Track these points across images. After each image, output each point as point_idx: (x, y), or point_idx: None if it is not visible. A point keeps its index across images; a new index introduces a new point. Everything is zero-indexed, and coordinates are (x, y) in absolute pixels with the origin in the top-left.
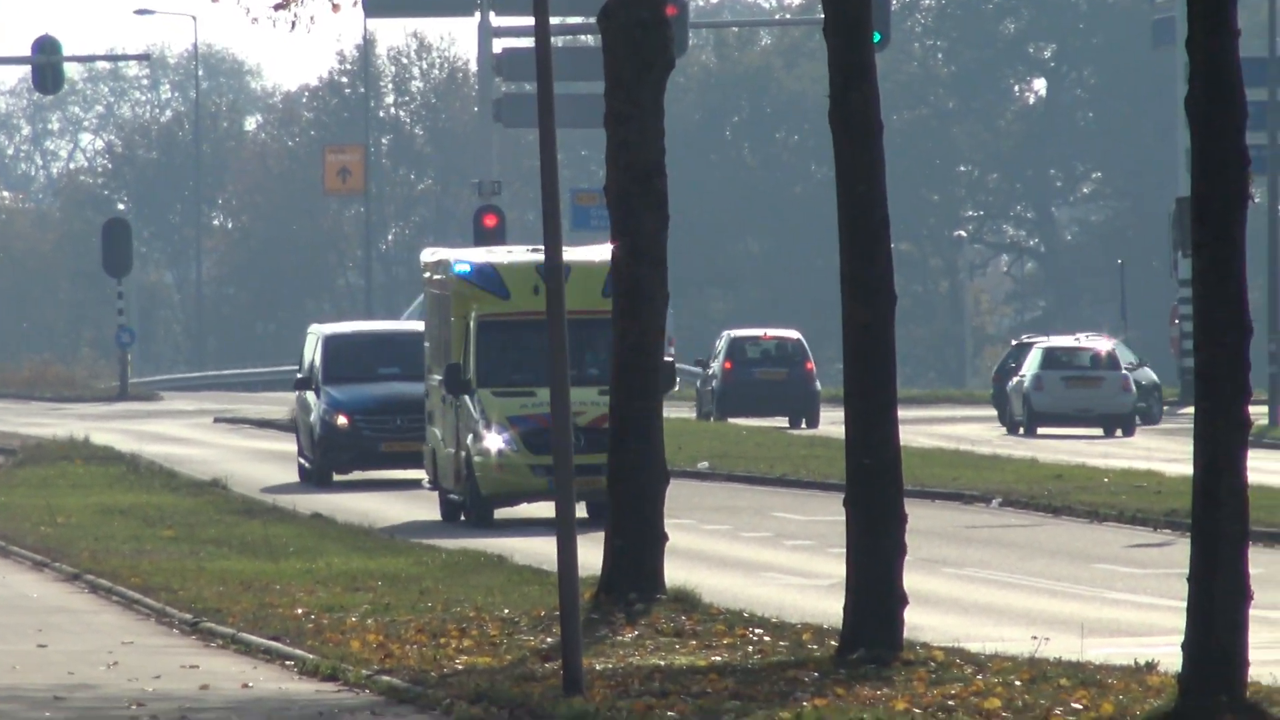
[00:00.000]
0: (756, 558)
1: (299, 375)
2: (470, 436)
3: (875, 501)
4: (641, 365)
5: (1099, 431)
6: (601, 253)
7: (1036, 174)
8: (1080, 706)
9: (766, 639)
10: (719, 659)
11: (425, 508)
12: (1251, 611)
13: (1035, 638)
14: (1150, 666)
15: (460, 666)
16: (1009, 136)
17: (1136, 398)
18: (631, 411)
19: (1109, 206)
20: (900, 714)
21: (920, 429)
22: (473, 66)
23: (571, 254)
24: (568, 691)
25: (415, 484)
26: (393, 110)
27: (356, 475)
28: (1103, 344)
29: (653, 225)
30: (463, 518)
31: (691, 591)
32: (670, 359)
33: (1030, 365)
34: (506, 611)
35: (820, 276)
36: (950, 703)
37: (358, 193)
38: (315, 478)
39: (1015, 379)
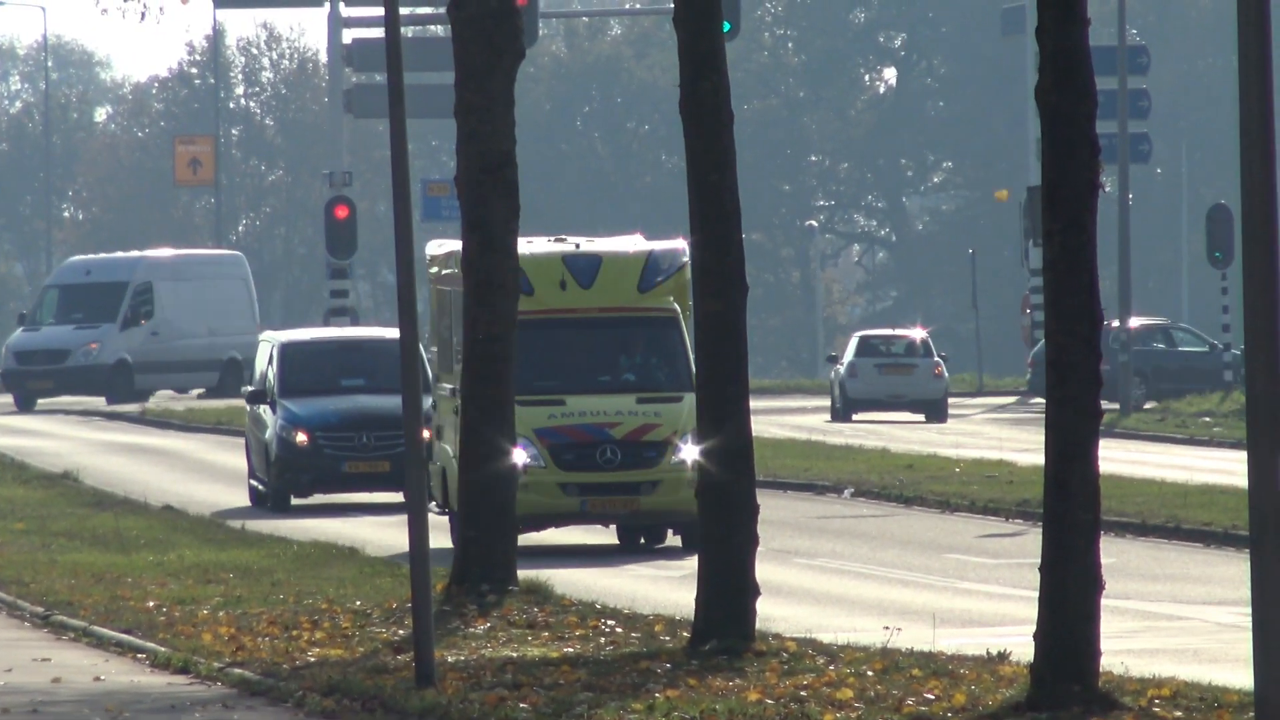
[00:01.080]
0: (609, 548)
1: (249, 388)
2: None
3: (727, 492)
4: (494, 354)
5: (917, 416)
6: (635, 243)
7: (887, 163)
8: (933, 697)
9: (619, 630)
10: (571, 650)
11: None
12: (1103, 601)
13: (887, 628)
14: (1002, 656)
15: (312, 659)
16: (860, 126)
17: (948, 384)
18: (483, 401)
19: (960, 196)
20: (753, 705)
21: (772, 419)
22: (323, 57)
23: (602, 244)
24: (420, 684)
25: (386, 508)
26: (243, 101)
27: (317, 499)
28: (916, 333)
29: (504, 215)
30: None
31: (544, 583)
32: None
33: (847, 354)
34: (359, 603)
35: None
36: (803, 693)
37: (208, 184)
38: (271, 502)
39: (835, 368)
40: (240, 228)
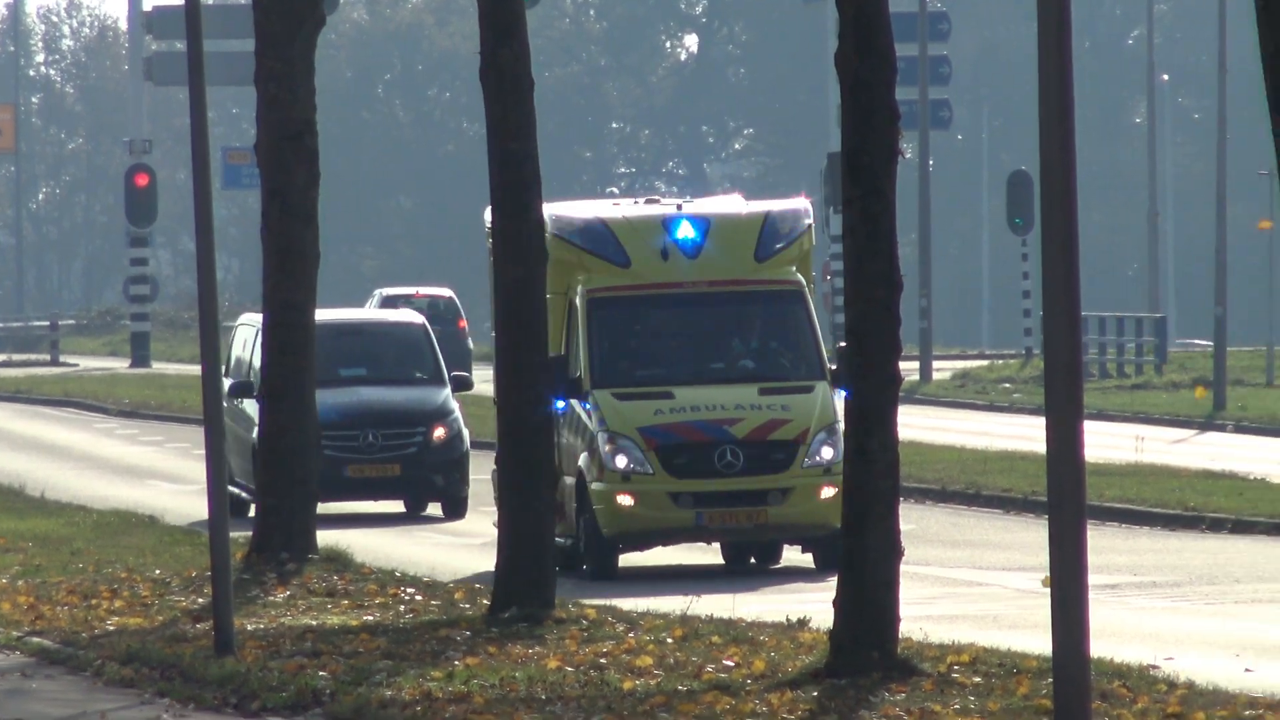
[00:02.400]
0: (410, 516)
1: (232, 380)
2: (584, 457)
3: (527, 460)
4: (293, 322)
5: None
6: (747, 204)
7: (689, 130)
8: (732, 664)
9: (419, 598)
10: (371, 619)
11: (474, 555)
12: (903, 568)
13: (686, 595)
14: (802, 623)
15: (111, 628)
16: (661, 93)
17: (470, 348)
18: (282, 369)
19: (761, 162)
20: (552, 672)
21: None
22: (123, 24)
23: (707, 205)
24: (219, 652)
25: (396, 517)
26: (43, 69)
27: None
28: (441, 290)
29: (304, 182)
30: (583, 567)
31: (344, 551)
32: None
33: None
34: (158, 572)
35: (472, 233)
36: (602, 661)
37: (8, 151)
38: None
39: None
40: (40, 196)
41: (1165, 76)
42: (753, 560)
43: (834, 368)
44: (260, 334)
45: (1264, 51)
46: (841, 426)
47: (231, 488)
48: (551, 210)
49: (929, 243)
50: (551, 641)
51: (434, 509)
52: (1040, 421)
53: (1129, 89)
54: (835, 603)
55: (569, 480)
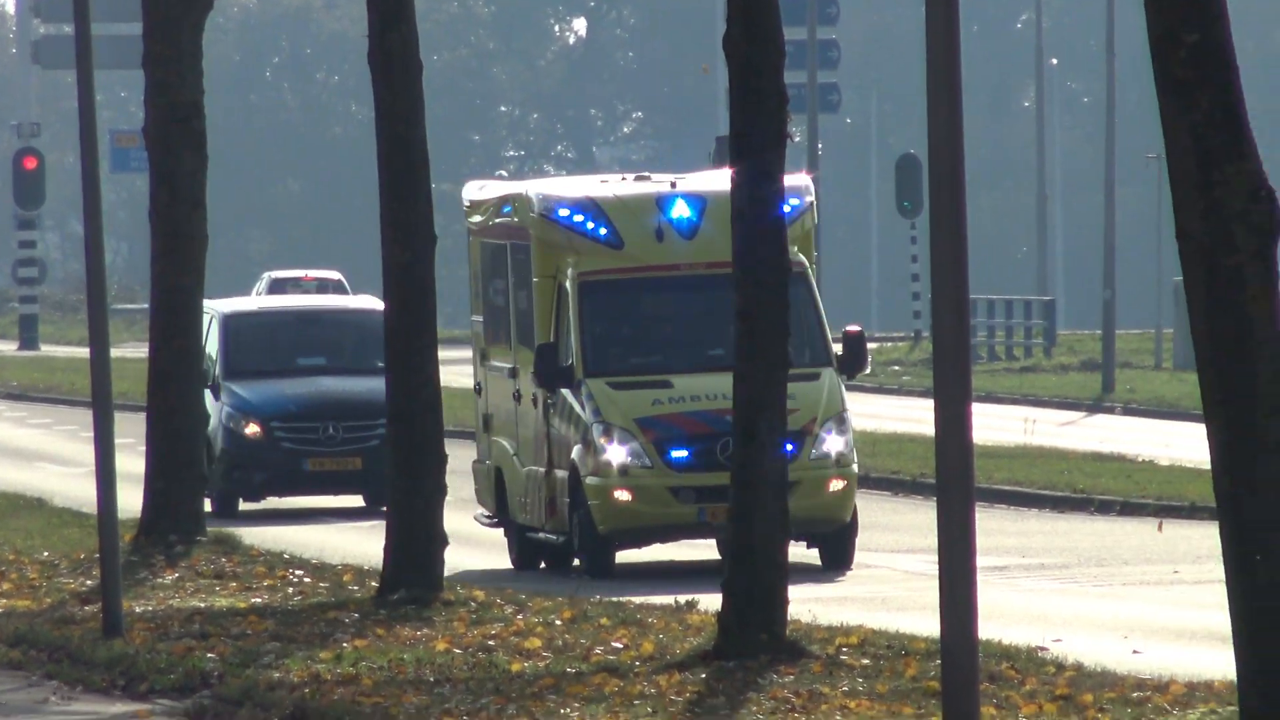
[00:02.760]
0: (295, 500)
1: None
2: (577, 449)
3: (415, 443)
4: (180, 305)
5: None
6: None
7: (578, 114)
8: (621, 645)
9: (307, 580)
10: (259, 601)
11: (476, 552)
12: (791, 549)
13: (578, 578)
14: (690, 605)
15: None
16: (549, 77)
17: None
18: (170, 353)
19: (649, 146)
20: (441, 654)
21: (463, 370)
22: (10, 8)
23: (701, 181)
24: (107, 634)
25: (357, 512)
26: None
27: (271, 503)
28: (330, 274)
29: (192, 166)
30: (575, 563)
31: (232, 533)
32: None
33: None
34: (46, 554)
35: (361, 216)
36: (491, 643)
37: None
38: (214, 505)
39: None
40: None
41: (1054, 60)
42: None
43: (840, 354)
44: (214, 322)
45: (1152, 35)
46: (850, 416)
47: None
48: (538, 188)
49: (818, 226)
50: (440, 623)
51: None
52: (929, 404)
53: (1017, 73)
54: (724, 585)
55: (561, 474)
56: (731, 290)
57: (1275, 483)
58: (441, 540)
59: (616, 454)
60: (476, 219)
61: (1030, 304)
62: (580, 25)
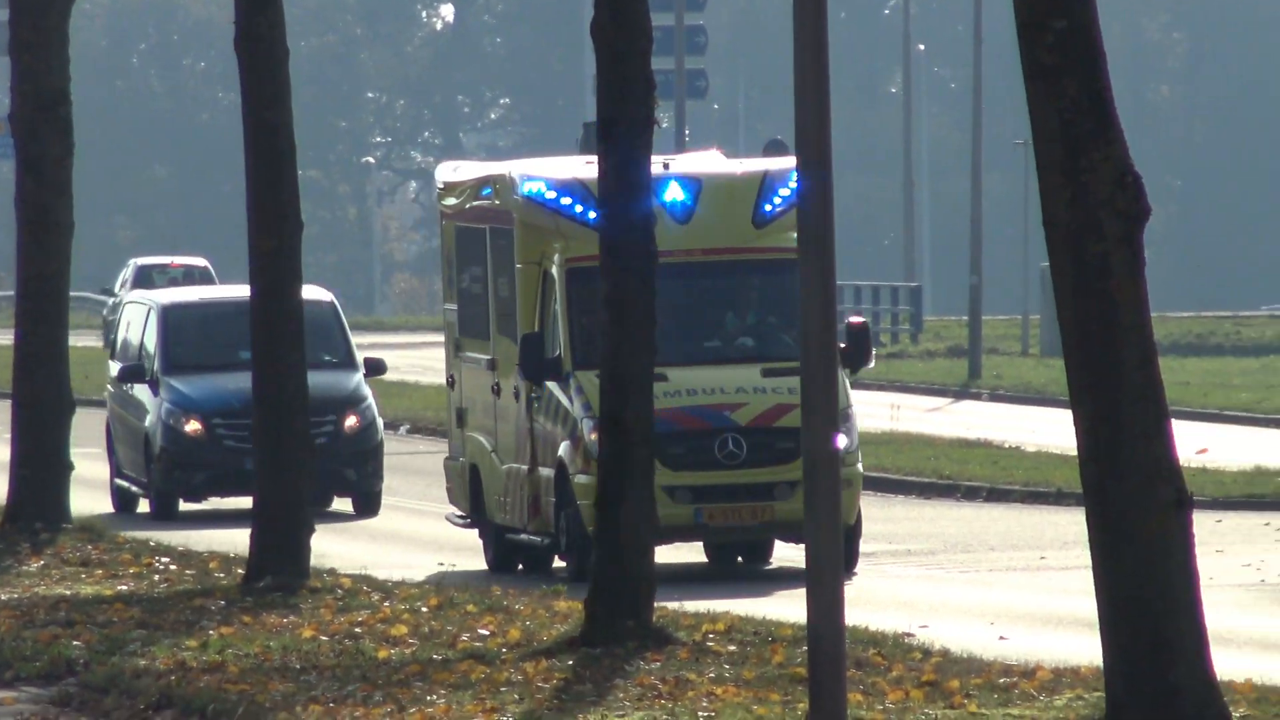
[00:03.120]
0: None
1: (121, 363)
2: (565, 445)
3: (281, 430)
4: (46, 292)
5: None
6: (741, 163)
7: (445, 100)
8: (488, 632)
9: (173, 568)
10: (125, 588)
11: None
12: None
13: (442, 564)
14: (557, 592)
15: None
16: (417, 63)
17: None
18: (37, 340)
19: (517, 132)
20: (307, 641)
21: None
22: None
23: (696, 164)
24: None
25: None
26: None
27: (213, 503)
28: (196, 261)
29: (58, 153)
30: (561, 563)
31: (98, 521)
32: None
33: (121, 284)
34: None
35: (228, 203)
36: (358, 630)
37: None
38: (152, 506)
39: None
40: None
41: (921, 46)
42: (740, 560)
43: (843, 346)
44: (151, 314)
45: (1019, 21)
46: (854, 411)
47: (120, 480)
48: (522, 169)
49: None
50: (306, 611)
51: (343, 505)
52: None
53: (885, 58)
54: (591, 571)
55: (546, 472)
56: (727, 278)
57: (1140, 468)
58: (308, 528)
59: None
60: (451, 202)
61: (897, 290)
62: (448, 11)
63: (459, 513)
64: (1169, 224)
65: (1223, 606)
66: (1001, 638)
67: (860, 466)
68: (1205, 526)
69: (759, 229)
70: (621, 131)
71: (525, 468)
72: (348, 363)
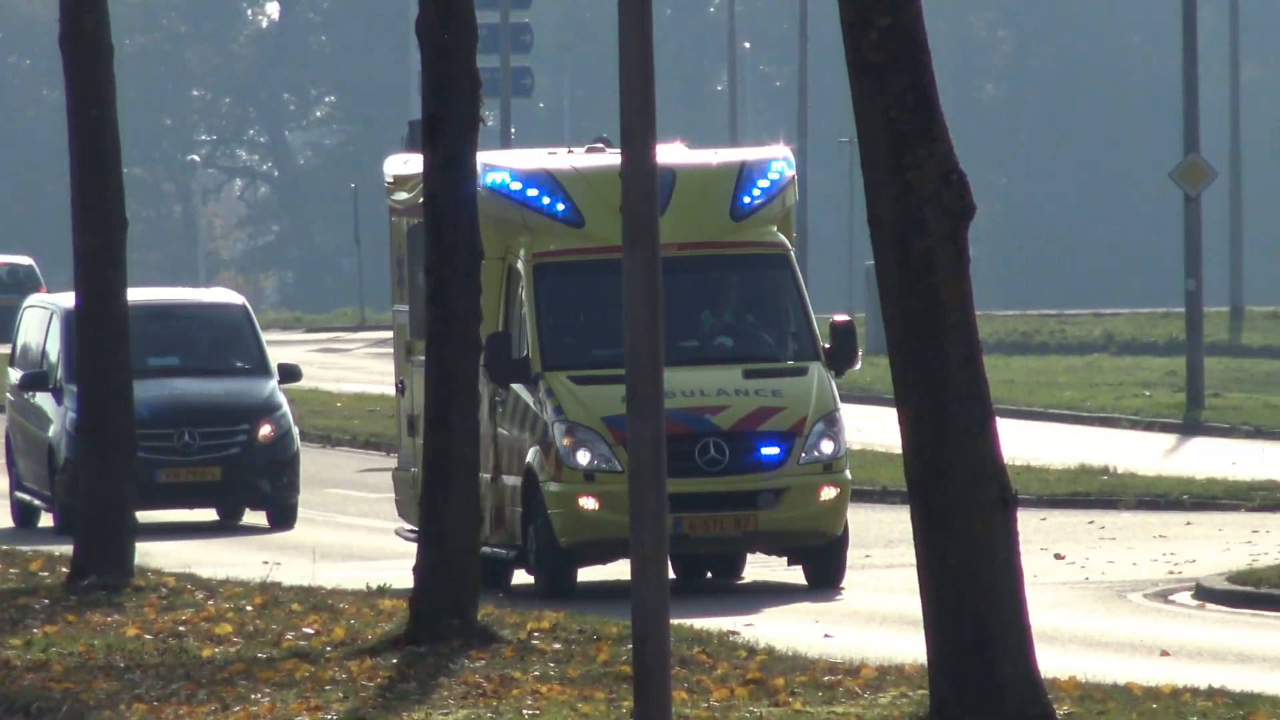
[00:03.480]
0: (226, 527)
1: (21, 371)
2: (533, 452)
3: (107, 429)
4: None
5: None
6: (717, 153)
7: (270, 98)
8: (312, 631)
9: None
10: None
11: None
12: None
13: (267, 563)
14: (382, 591)
15: None
16: (242, 61)
17: None
18: None
19: (343, 130)
20: (131, 640)
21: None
22: None
23: (669, 153)
24: None
25: (216, 528)
26: None
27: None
28: (21, 259)
29: None
30: (524, 578)
31: None
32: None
33: None
34: None
35: (53, 201)
36: (182, 628)
37: None
38: (57, 521)
39: None
40: None
41: (747, 44)
42: (709, 575)
43: (828, 346)
44: (54, 319)
45: (844, 19)
46: (842, 415)
47: (21, 494)
48: (484, 160)
49: None
50: (131, 609)
51: (256, 518)
52: None
53: (711, 56)
54: (415, 570)
55: (511, 481)
56: (705, 274)
57: (965, 466)
58: (133, 528)
59: (582, 457)
60: (402, 196)
61: None
62: (273, 9)
63: (410, 527)
64: (994, 221)
65: (1047, 604)
66: (827, 635)
67: (848, 474)
68: (1030, 525)
69: (737, 222)
70: (447, 129)
71: (488, 476)
72: (261, 369)
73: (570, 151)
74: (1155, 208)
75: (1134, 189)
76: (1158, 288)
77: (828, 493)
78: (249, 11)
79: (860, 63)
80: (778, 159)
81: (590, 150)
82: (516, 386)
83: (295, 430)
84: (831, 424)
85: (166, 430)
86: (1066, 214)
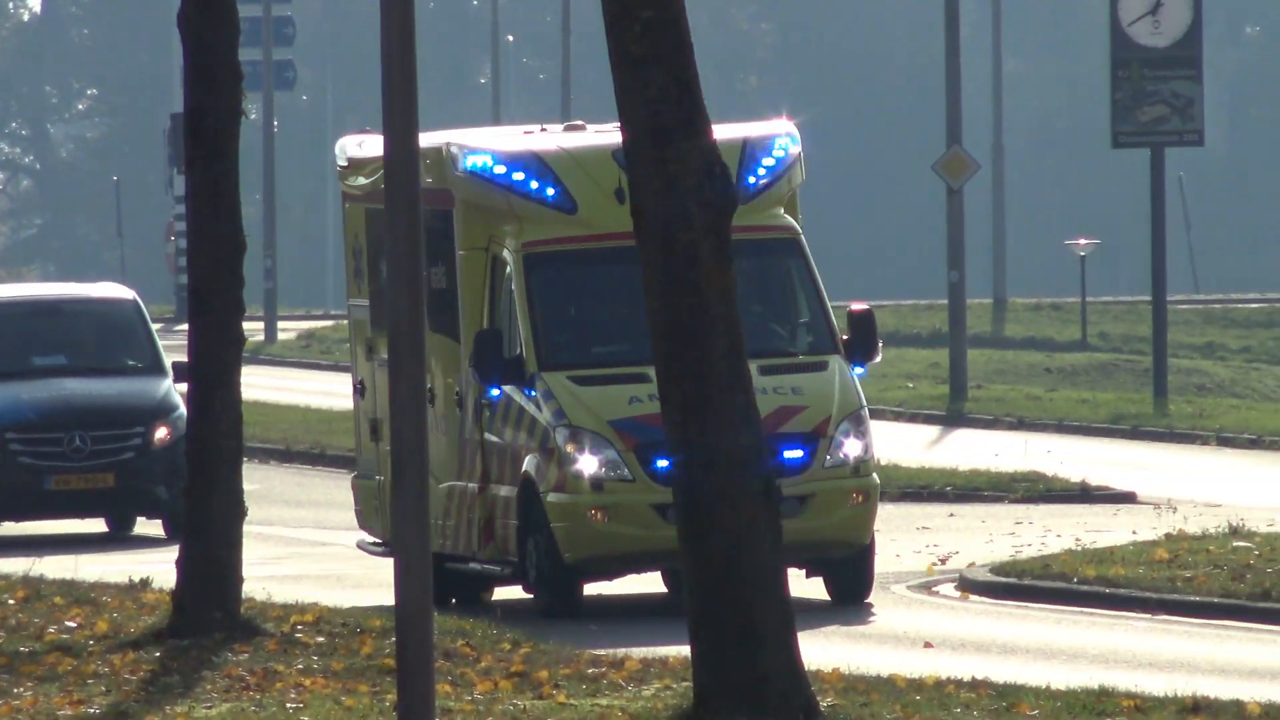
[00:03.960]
0: (114, 538)
1: None
2: (532, 459)
3: None
4: None
5: None
6: (721, 129)
7: (32, 91)
8: (75, 624)
9: None
10: None
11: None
12: (246, 527)
13: (35, 559)
14: (145, 584)
15: None
16: (3, 53)
17: None
18: None
19: (104, 123)
20: None
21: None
22: None
23: None
24: None
25: (107, 539)
26: None
27: (7, 528)
28: None
29: None
30: (532, 597)
31: None
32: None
33: None
34: None
35: None
36: None
37: None
38: None
39: None
40: None
41: (510, 37)
42: None
43: (845, 337)
44: None
45: (607, 12)
46: (867, 413)
47: None
48: (461, 140)
49: (274, 203)
50: None
51: (150, 528)
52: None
53: (474, 49)
54: (178, 563)
55: (504, 491)
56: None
57: (729, 458)
58: None
59: (588, 464)
60: (360, 181)
61: None
62: (34, 2)
63: (373, 538)
64: None
65: (810, 596)
66: (592, 628)
67: (876, 477)
68: None
69: (743, 204)
70: (209, 123)
71: (474, 485)
72: (155, 368)
73: (544, 130)
74: (918, 200)
75: (897, 181)
76: (920, 279)
77: (856, 499)
78: (10, 5)
79: (623, 56)
80: (781, 135)
81: (570, 129)
82: (509, 388)
83: None
84: (858, 423)
85: (56, 434)
86: (831, 206)
